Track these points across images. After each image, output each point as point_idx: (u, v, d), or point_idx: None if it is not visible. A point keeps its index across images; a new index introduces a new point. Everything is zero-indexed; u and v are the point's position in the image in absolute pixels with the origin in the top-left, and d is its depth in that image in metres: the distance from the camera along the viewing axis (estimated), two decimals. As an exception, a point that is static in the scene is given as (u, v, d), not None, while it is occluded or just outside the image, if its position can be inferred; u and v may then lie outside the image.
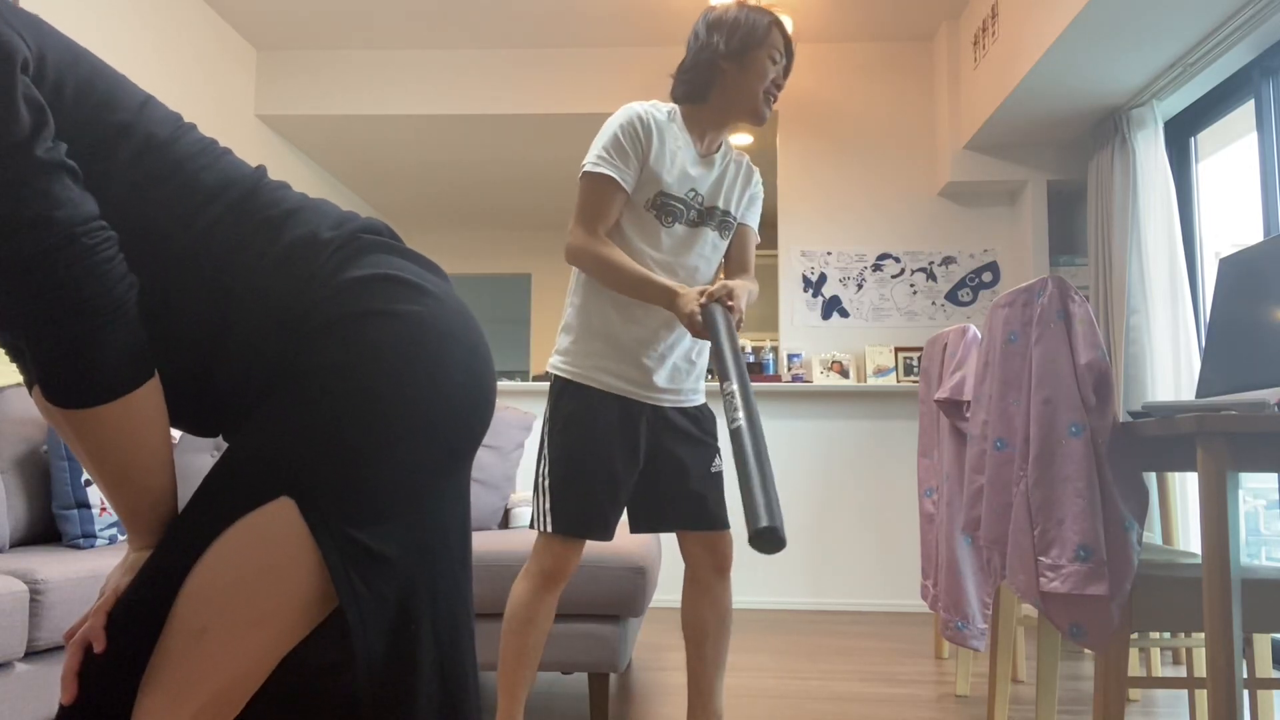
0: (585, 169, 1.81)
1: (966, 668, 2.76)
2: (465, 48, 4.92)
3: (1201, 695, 2.32)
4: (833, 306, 4.68)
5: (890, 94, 4.78)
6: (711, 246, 1.93)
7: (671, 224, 1.86)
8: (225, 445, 3.01)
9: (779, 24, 1.88)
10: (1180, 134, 3.79)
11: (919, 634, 3.76)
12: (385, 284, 0.95)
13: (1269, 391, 1.67)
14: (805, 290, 4.70)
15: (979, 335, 2.65)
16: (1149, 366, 3.53)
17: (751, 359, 4.71)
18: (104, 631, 0.88)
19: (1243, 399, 1.53)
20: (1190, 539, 3.30)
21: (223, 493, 0.89)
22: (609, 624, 2.33)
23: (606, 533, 1.82)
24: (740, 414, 1.30)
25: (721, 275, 2.00)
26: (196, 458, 2.91)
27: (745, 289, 1.72)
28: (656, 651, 3.38)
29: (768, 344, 5.01)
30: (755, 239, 2.02)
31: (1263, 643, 2.01)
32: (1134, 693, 2.77)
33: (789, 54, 1.90)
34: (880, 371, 4.54)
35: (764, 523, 1.08)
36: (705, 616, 1.89)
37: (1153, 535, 3.01)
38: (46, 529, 2.66)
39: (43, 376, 0.83)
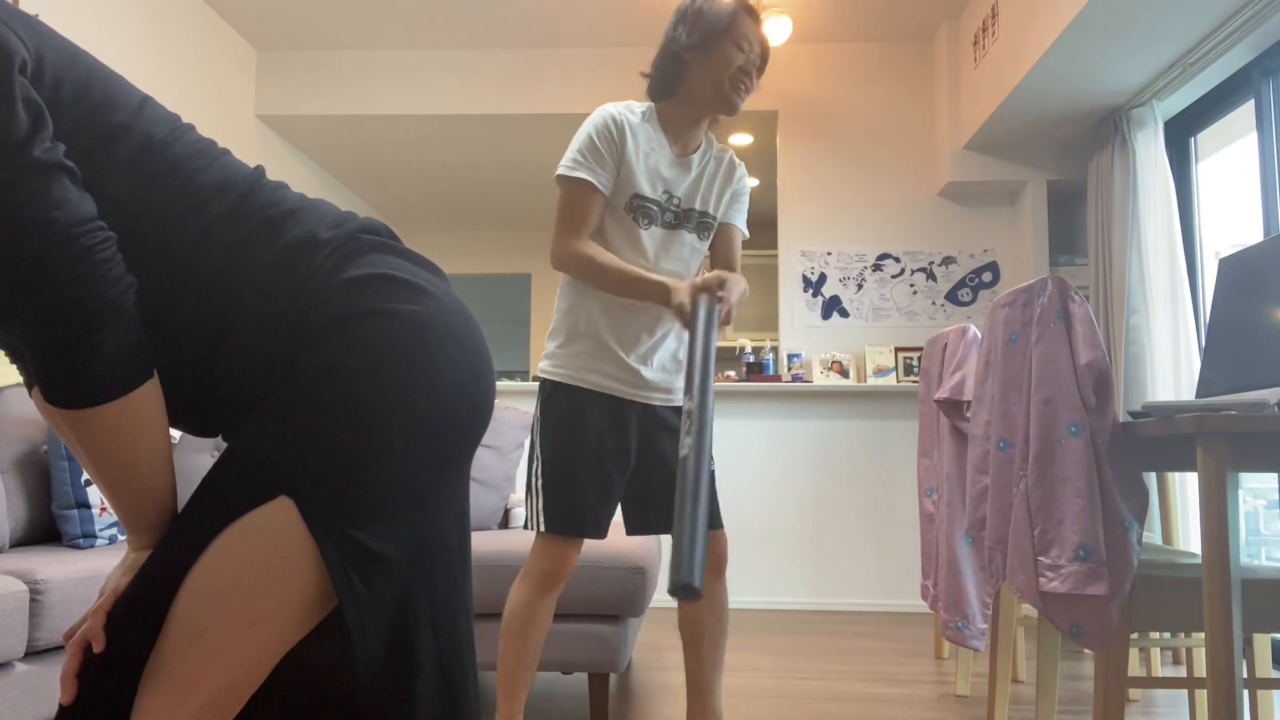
0: (560, 173, 1.81)
1: (966, 668, 2.76)
2: (465, 48, 4.92)
3: (1201, 695, 2.32)
4: (833, 306, 4.68)
5: (890, 94, 4.78)
6: (690, 249, 1.92)
7: (648, 225, 1.86)
8: (224, 445, 3.01)
9: (747, 10, 1.84)
10: (1180, 134, 3.79)
11: (919, 634, 3.76)
12: (384, 284, 0.95)
13: (1269, 391, 1.67)
14: (805, 290, 4.70)
15: (979, 335, 2.65)
16: (1149, 366, 3.53)
17: (751, 359, 4.71)
18: (104, 632, 0.88)
19: (1243, 399, 1.53)
20: (1190, 539, 3.30)
21: (222, 493, 0.90)
22: (609, 624, 2.33)
23: (599, 530, 1.83)
24: (689, 441, 1.25)
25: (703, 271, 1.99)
26: (196, 458, 2.91)
27: (738, 281, 1.72)
28: (656, 651, 3.38)
29: (768, 344, 5.01)
30: (741, 237, 2.00)
31: (1263, 643, 2.01)
32: (1134, 693, 2.77)
33: (764, 43, 1.85)
34: (880, 371, 4.54)
35: (683, 579, 1.05)
36: (701, 617, 1.89)
37: (1153, 535, 3.01)
38: (46, 529, 2.66)
39: (42, 377, 0.83)
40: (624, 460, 1.86)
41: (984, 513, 2.03)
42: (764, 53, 1.87)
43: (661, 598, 4.44)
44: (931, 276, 4.67)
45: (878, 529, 4.42)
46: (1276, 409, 1.52)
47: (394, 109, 4.92)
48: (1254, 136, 3.20)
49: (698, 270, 1.97)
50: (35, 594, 2.01)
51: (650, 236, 1.86)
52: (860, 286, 4.68)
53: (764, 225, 6.85)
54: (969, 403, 2.50)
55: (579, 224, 1.79)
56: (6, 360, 3.37)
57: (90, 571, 2.17)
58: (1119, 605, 1.71)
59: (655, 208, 1.86)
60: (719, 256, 1.99)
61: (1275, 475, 3.37)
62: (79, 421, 0.85)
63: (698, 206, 1.91)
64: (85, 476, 2.55)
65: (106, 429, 0.86)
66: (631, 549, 2.36)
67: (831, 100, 4.79)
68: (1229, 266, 1.98)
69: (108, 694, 0.87)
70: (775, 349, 5.01)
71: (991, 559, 1.96)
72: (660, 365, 1.90)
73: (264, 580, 0.87)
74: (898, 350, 4.57)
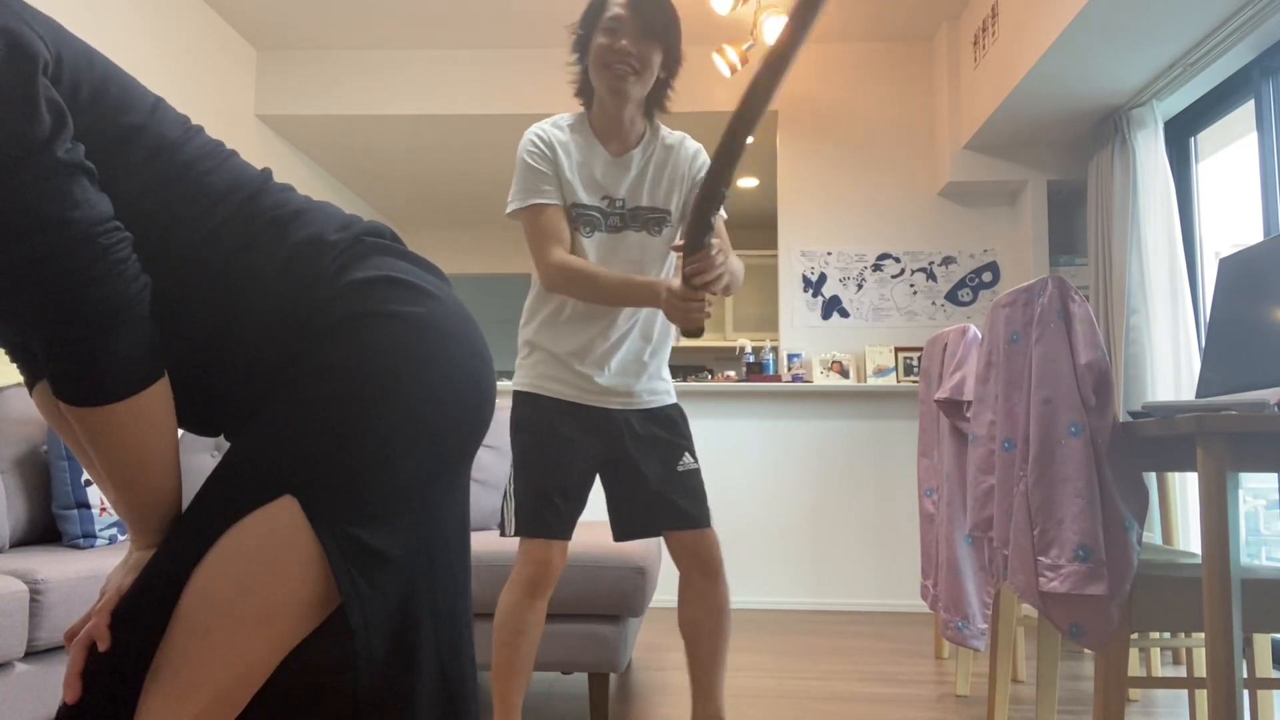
0: (510, 212, 1.83)
1: (966, 668, 2.76)
2: (465, 48, 4.92)
3: (1201, 695, 2.32)
4: (833, 306, 4.68)
5: (890, 94, 4.78)
6: (640, 249, 1.88)
7: (590, 233, 1.85)
8: (226, 445, 3.02)
9: None
10: (1180, 134, 3.79)
11: (919, 634, 3.76)
12: (388, 286, 0.95)
13: (1269, 391, 1.68)
14: (805, 290, 4.70)
15: (979, 335, 2.65)
16: (1149, 366, 3.53)
17: (751, 359, 4.72)
18: (108, 631, 0.88)
19: (1243, 399, 1.53)
20: (1190, 539, 3.30)
21: (226, 492, 0.90)
22: (609, 624, 2.33)
23: (565, 531, 1.83)
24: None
25: (678, 271, 1.91)
26: (196, 458, 2.91)
27: (724, 249, 1.67)
28: (656, 651, 3.39)
29: (768, 344, 5.01)
30: (721, 219, 1.94)
31: (1263, 643, 2.01)
32: (1134, 693, 2.77)
33: (640, 8, 1.76)
34: (880, 371, 4.54)
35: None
36: (698, 618, 1.89)
37: (1153, 535, 3.01)
38: (46, 529, 2.66)
39: (55, 375, 0.84)
40: (587, 464, 1.87)
41: (989, 513, 2.03)
42: (644, 14, 1.76)
43: (661, 597, 4.44)
44: (931, 276, 4.67)
45: (878, 529, 4.43)
46: (1276, 409, 1.52)
47: (394, 109, 4.92)
48: (1254, 136, 3.20)
49: (666, 267, 1.94)
50: (35, 594, 2.01)
51: (593, 244, 1.85)
52: (860, 286, 4.69)
53: (764, 225, 6.85)
54: (969, 403, 2.50)
55: (549, 241, 1.80)
56: (6, 360, 3.37)
57: (90, 571, 2.17)
58: (1119, 605, 1.71)
59: (597, 214, 1.85)
60: None
61: (1275, 475, 3.37)
62: (90, 420, 0.86)
63: (645, 203, 1.88)
64: (85, 476, 2.55)
65: (117, 427, 0.86)
66: (631, 549, 2.36)
67: (831, 100, 4.79)
68: (1229, 266, 1.98)
69: (112, 693, 0.87)
70: (775, 349, 5.01)
71: (994, 560, 1.96)
72: (620, 369, 1.89)
73: (268, 579, 0.87)
74: (898, 350, 4.57)
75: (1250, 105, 3.28)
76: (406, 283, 0.97)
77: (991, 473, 2.00)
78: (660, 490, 1.86)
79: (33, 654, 2.04)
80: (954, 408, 2.61)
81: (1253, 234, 3.34)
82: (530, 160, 1.82)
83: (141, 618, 0.88)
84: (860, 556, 4.42)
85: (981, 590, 2.68)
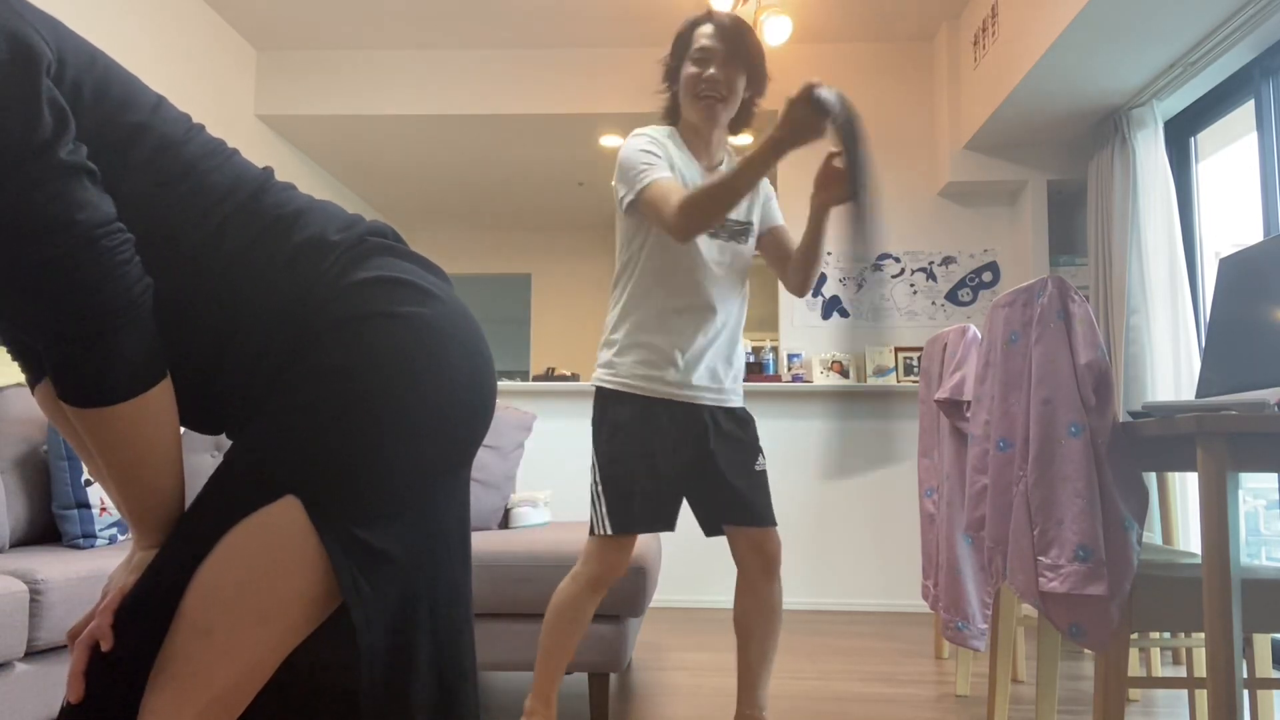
0: (631, 199, 1.85)
1: (966, 668, 2.77)
2: (465, 48, 4.92)
3: (1201, 695, 2.32)
4: (833, 306, 4.68)
5: (890, 94, 4.78)
6: (733, 254, 1.98)
7: (709, 238, 1.96)
8: (227, 444, 3.02)
9: (694, 22, 1.95)
10: (1180, 134, 3.79)
11: (919, 634, 3.76)
12: (389, 286, 0.96)
13: (1269, 391, 1.68)
14: (805, 290, 4.70)
15: (979, 335, 2.65)
16: (1149, 366, 3.53)
17: (751, 359, 4.72)
18: (111, 630, 0.88)
19: (1243, 399, 1.53)
20: (1190, 539, 3.30)
21: (228, 492, 0.90)
22: (609, 624, 2.33)
23: (668, 524, 1.92)
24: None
25: (745, 303, 2.07)
26: (197, 458, 2.91)
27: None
28: (656, 651, 3.39)
29: (768, 344, 5.01)
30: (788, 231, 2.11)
31: (1263, 643, 2.01)
32: (1134, 693, 2.77)
33: (726, 38, 1.90)
34: (880, 371, 4.54)
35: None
36: (751, 616, 1.97)
37: (1153, 535, 3.01)
38: (46, 529, 2.66)
39: (58, 376, 0.84)
40: (679, 458, 1.94)
41: (982, 512, 2.04)
42: (730, 43, 1.91)
43: (661, 597, 4.44)
44: (931, 276, 4.67)
45: (878, 529, 4.43)
46: (1276, 409, 1.52)
47: (394, 109, 4.92)
48: (1254, 136, 3.20)
49: (744, 288, 2.05)
50: (35, 594, 2.01)
51: (705, 246, 1.94)
52: (860, 286, 4.69)
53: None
54: (969, 403, 2.50)
55: (670, 195, 1.79)
56: (6, 360, 3.37)
57: (90, 571, 2.17)
58: (1119, 605, 1.71)
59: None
60: (779, 255, 2.05)
61: (1275, 475, 3.37)
62: (93, 421, 0.86)
63: (731, 215, 1.98)
64: (85, 476, 2.55)
65: (120, 428, 0.86)
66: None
67: (831, 100, 4.79)
68: (1229, 266, 1.98)
69: (115, 692, 0.87)
70: (775, 349, 5.01)
71: (991, 559, 1.97)
72: (710, 366, 1.97)
73: (270, 579, 0.87)
74: (898, 350, 4.57)
75: (1250, 105, 3.28)
76: (408, 283, 0.97)
77: (986, 472, 2.00)
78: (739, 486, 1.95)
79: (33, 654, 2.04)
80: (954, 408, 2.61)
81: (1253, 234, 3.34)
82: (644, 153, 1.88)
83: (144, 617, 0.88)
84: (860, 557, 4.42)
85: (981, 590, 2.68)
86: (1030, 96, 3.76)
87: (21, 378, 3.40)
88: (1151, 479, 2.74)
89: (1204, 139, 3.75)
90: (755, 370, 4.66)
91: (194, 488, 2.68)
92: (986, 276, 4.65)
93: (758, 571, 1.96)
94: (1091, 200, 3.96)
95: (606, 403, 1.95)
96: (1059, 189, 4.53)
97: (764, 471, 2.00)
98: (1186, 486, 3.30)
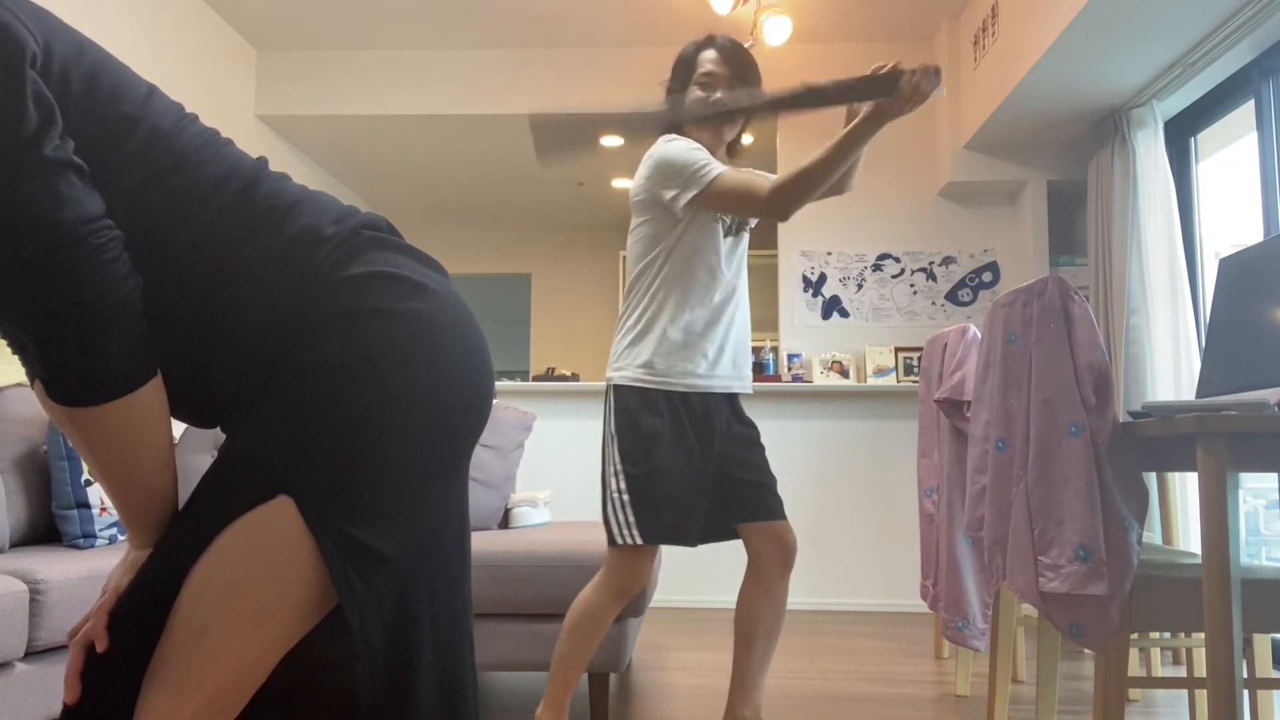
0: (705, 186, 1.87)
1: (966, 668, 2.76)
2: (465, 48, 4.92)
3: (1201, 695, 2.32)
4: (833, 306, 4.68)
5: (890, 94, 4.77)
6: (741, 246, 2.07)
7: (722, 236, 2.03)
8: (224, 440, 3.01)
9: (698, 46, 2.02)
10: (1180, 134, 3.79)
11: (919, 634, 3.76)
12: (385, 281, 0.94)
13: (1269, 391, 1.68)
14: (805, 290, 4.70)
15: (979, 335, 2.65)
16: (1149, 366, 3.53)
17: (752, 359, 4.71)
18: (106, 631, 0.88)
19: (1243, 399, 1.53)
20: (1190, 539, 3.30)
21: (222, 492, 0.89)
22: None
23: (699, 537, 1.94)
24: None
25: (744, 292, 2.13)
26: (196, 458, 2.91)
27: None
28: (656, 651, 3.38)
29: (768, 344, 5.01)
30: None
31: (1263, 643, 2.01)
32: (1134, 693, 2.77)
33: (730, 62, 1.99)
34: (880, 371, 4.54)
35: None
36: (761, 614, 1.95)
37: (1153, 535, 3.01)
38: (46, 529, 2.66)
39: (47, 375, 0.83)
40: (710, 455, 1.96)
41: (982, 512, 2.03)
42: (733, 66, 2.00)
43: (661, 597, 4.44)
44: (931, 276, 4.67)
45: (878, 529, 4.42)
46: (1276, 409, 1.52)
47: (394, 109, 4.92)
48: (1254, 136, 3.20)
49: (743, 269, 2.11)
50: (35, 594, 2.01)
51: (724, 245, 2.01)
52: (860, 286, 4.68)
53: (764, 225, 6.85)
54: (969, 403, 2.50)
55: (750, 181, 1.86)
56: (6, 359, 3.37)
57: (90, 571, 2.17)
58: (1119, 605, 1.71)
59: (719, 224, 2.01)
60: None
61: (1275, 475, 3.37)
62: (83, 419, 0.85)
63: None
64: (85, 476, 2.55)
65: (110, 427, 0.86)
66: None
67: (831, 100, 4.78)
68: (1229, 266, 1.98)
69: (111, 693, 0.87)
70: (775, 349, 5.01)
71: (991, 559, 1.97)
72: (733, 356, 2.02)
73: (265, 579, 0.87)
74: (898, 350, 4.57)
75: (1250, 105, 3.28)
76: (404, 278, 0.96)
77: (986, 472, 2.00)
78: (763, 482, 1.97)
79: (33, 654, 2.04)
80: (954, 408, 2.61)
81: (1253, 234, 3.34)
82: (695, 150, 1.91)
83: (139, 617, 0.87)
84: (860, 556, 4.41)
85: (981, 590, 2.68)
86: (1030, 96, 3.76)
87: (22, 377, 3.40)
88: (1151, 479, 2.74)
89: (1204, 139, 3.75)
90: (755, 370, 4.66)
91: (192, 487, 2.68)
92: (986, 276, 4.65)
93: (778, 566, 1.96)
94: (1091, 200, 3.96)
95: (632, 404, 1.91)
96: (1059, 189, 4.53)
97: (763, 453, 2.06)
98: (1186, 486, 3.29)
